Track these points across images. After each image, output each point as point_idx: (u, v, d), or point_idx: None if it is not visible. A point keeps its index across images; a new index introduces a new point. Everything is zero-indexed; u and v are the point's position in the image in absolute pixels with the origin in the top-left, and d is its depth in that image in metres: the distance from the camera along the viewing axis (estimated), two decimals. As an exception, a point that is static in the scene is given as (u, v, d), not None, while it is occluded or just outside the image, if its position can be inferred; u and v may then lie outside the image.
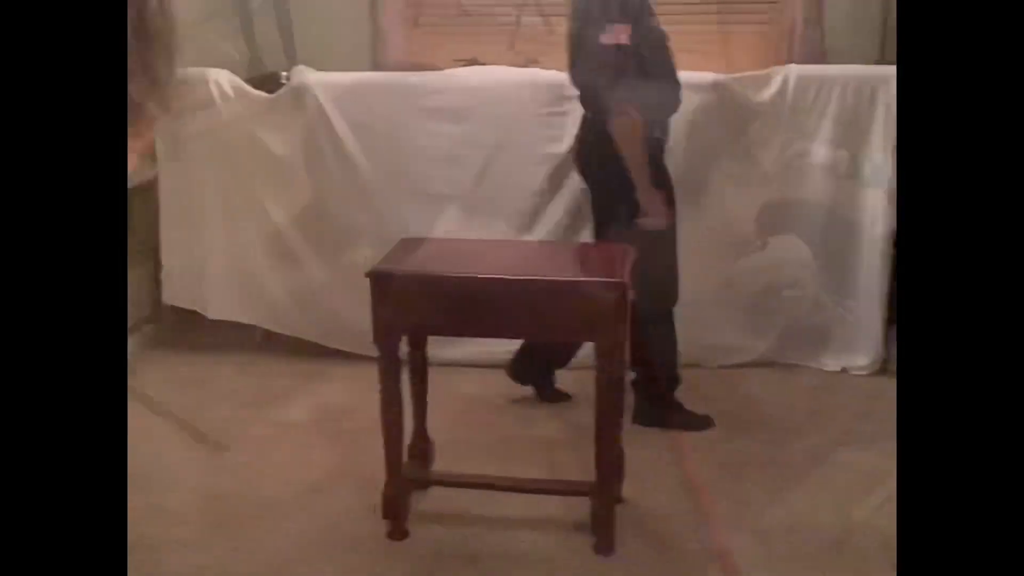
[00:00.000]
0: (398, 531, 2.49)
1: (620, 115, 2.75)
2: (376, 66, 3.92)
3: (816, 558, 2.39)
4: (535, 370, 3.29)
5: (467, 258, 2.54)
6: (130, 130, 1.00)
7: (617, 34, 2.69)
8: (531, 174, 3.55)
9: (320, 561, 2.40)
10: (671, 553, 2.43)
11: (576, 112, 3.45)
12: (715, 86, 3.39)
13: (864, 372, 3.49)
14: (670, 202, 2.93)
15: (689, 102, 3.10)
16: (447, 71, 3.65)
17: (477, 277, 2.35)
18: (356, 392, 3.28)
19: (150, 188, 3.71)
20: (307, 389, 3.52)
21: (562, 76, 3.47)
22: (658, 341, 3.09)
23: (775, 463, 2.85)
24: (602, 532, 2.41)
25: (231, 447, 3.05)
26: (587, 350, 3.26)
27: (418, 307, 2.38)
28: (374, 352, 2.43)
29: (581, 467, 2.72)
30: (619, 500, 2.56)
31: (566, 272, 2.40)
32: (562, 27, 3.11)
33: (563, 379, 3.34)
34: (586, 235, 3.52)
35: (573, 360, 3.25)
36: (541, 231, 3.55)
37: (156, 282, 3.84)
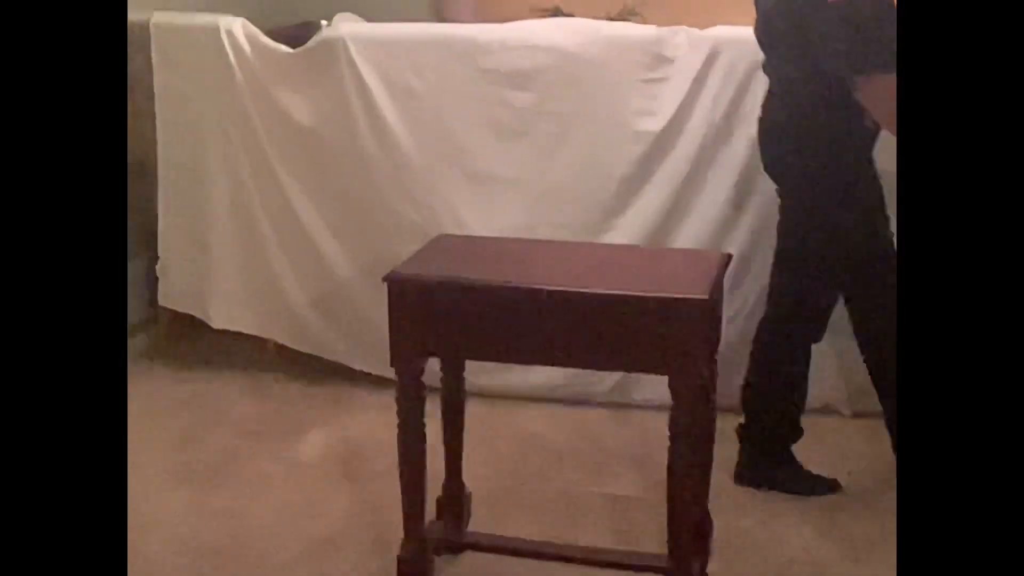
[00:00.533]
0: (416, 605, 2.55)
1: (871, 79, 2.67)
2: (440, 17, 4.04)
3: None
4: (770, 457, 3.15)
5: (513, 262, 2.58)
6: None
7: None
8: (616, 157, 3.58)
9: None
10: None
11: (677, 79, 3.51)
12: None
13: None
14: (873, 217, 2.91)
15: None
16: (515, 23, 3.70)
17: (514, 287, 2.39)
18: (385, 426, 3.37)
19: (145, 159, 3.88)
20: (325, 419, 3.61)
21: (662, 34, 3.56)
22: (784, 380, 3.11)
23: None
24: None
25: (226, 485, 3.16)
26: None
27: (447, 322, 2.43)
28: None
29: (659, 534, 2.70)
30: (702, 581, 2.59)
31: (633, 283, 2.42)
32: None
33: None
34: (683, 239, 3.57)
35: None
36: (624, 230, 3.58)
37: (153, 279, 3.99)
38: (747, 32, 3.12)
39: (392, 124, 3.67)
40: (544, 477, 3.25)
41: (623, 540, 2.89)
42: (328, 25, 3.83)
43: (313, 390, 3.83)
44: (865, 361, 3.08)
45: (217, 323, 3.93)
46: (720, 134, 3.52)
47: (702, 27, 3.58)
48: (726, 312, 3.49)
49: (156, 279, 4.01)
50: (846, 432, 3.48)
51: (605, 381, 3.65)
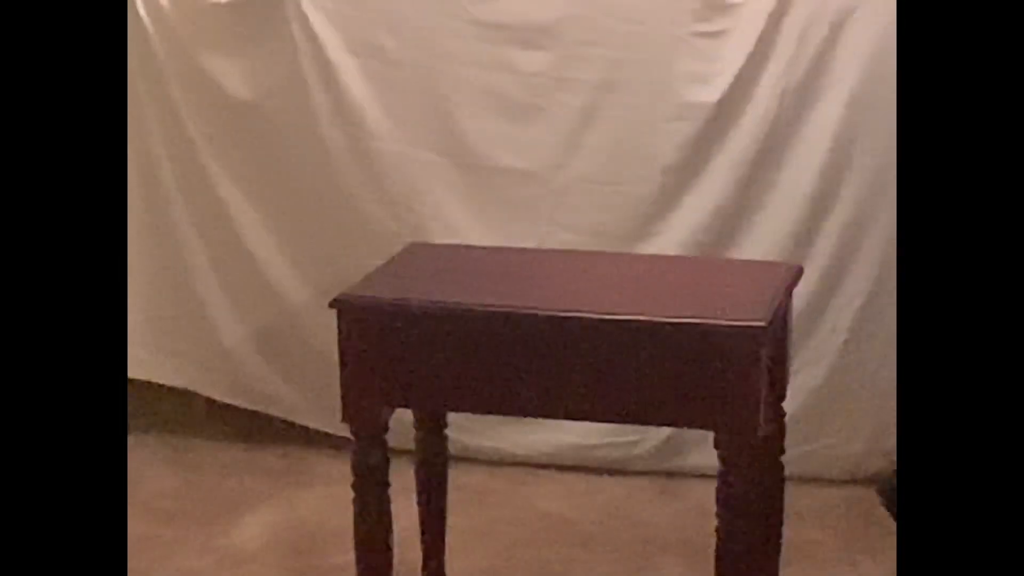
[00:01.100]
0: None
1: None
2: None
3: None
4: None
5: (510, 279, 2.58)
6: None
7: None
8: (660, 139, 3.54)
9: None
10: None
11: (740, 33, 3.47)
12: None
13: None
14: None
15: None
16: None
17: (508, 312, 2.38)
18: (348, 505, 3.42)
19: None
20: (269, 496, 3.59)
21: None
22: None
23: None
24: None
25: None
26: None
27: (420, 361, 2.42)
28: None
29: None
30: None
31: (667, 306, 2.40)
32: None
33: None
34: (748, 248, 3.55)
35: None
36: (670, 237, 3.56)
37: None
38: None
39: (357, 98, 3.65)
40: (564, 571, 3.23)
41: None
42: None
43: (254, 456, 3.82)
44: None
45: (129, 371, 3.91)
46: (799, 105, 3.49)
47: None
48: (809, 345, 3.51)
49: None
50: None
51: (645, 441, 3.61)
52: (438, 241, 3.43)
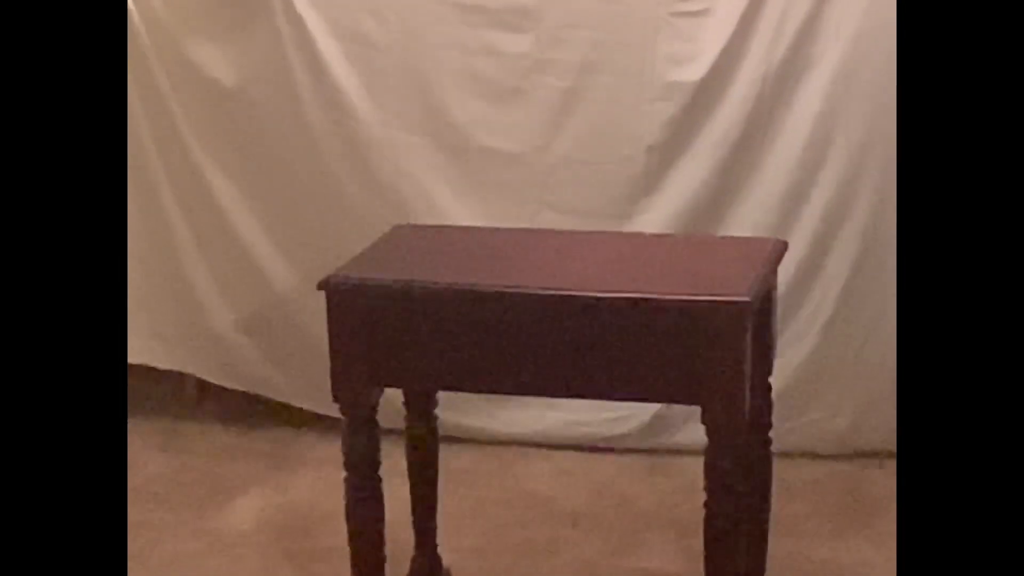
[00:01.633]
0: None
1: None
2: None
3: None
4: None
5: (497, 259, 2.56)
6: None
7: None
8: (643, 119, 3.54)
9: None
10: None
11: (722, 11, 3.45)
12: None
13: None
14: None
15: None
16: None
17: (497, 291, 2.38)
18: (339, 486, 3.41)
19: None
20: (260, 479, 3.58)
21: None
22: None
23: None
24: None
25: (129, 566, 3.19)
26: None
27: (407, 341, 2.41)
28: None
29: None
30: None
31: (651, 283, 2.40)
32: None
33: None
34: (733, 226, 3.54)
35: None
36: (655, 216, 3.56)
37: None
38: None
39: (343, 83, 3.65)
40: (552, 549, 3.23)
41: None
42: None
43: (245, 439, 3.82)
44: None
45: (119, 355, 3.93)
46: (781, 84, 3.49)
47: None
48: (795, 321, 3.51)
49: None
50: None
51: (633, 419, 3.62)
52: (424, 223, 3.40)
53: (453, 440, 3.29)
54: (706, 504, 2.37)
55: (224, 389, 3.93)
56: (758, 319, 2.43)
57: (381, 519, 2.56)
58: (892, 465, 3.26)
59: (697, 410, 2.35)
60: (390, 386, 2.57)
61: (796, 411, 3.48)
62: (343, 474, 2.56)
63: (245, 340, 3.85)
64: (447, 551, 2.89)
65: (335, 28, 3.64)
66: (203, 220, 3.82)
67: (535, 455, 3.64)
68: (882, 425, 3.40)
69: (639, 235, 3.34)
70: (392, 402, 2.69)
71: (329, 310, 2.47)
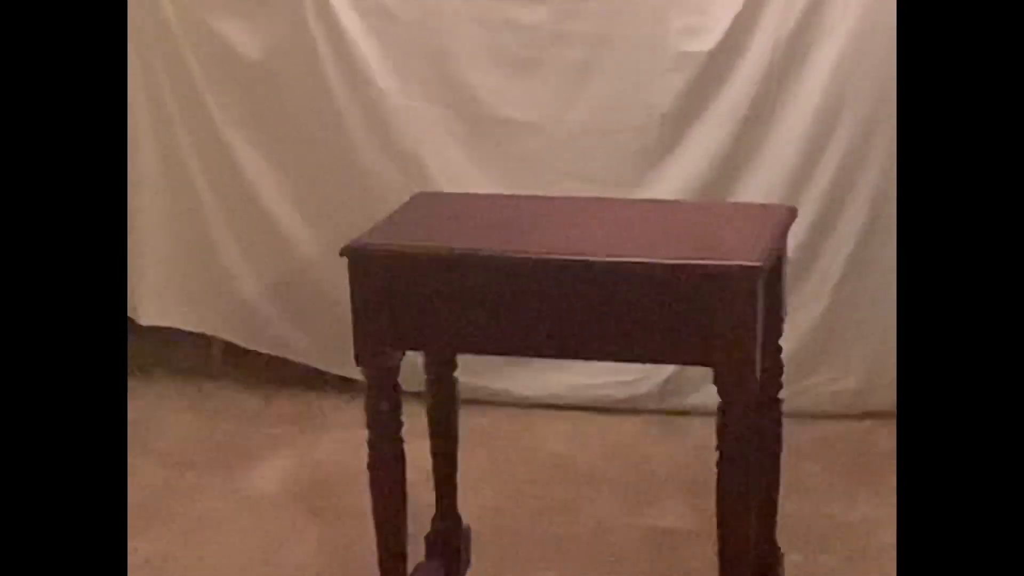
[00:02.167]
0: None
1: None
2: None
3: None
4: None
5: (515, 226, 2.56)
6: None
7: None
8: (656, 88, 3.57)
9: None
10: None
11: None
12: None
13: None
14: None
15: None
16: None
17: (514, 257, 2.38)
18: (363, 447, 3.44)
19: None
20: (286, 440, 3.63)
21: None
22: None
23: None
24: None
25: (156, 527, 3.17)
26: None
27: (428, 305, 2.43)
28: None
29: (718, 578, 2.77)
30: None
31: (664, 248, 2.40)
32: None
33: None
34: (745, 193, 3.56)
35: None
36: (668, 183, 3.59)
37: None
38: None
39: (365, 55, 3.67)
40: (569, 508, 3.25)
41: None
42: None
43: (271, 403, 3.86)
44: None
45: (145, 319, 3.92)
46: (792, 53, 3.51)
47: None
48: (803, 285, 3.54)
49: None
50: None
51: (648, 380, 3.65)
52: (443, 191, 3.44)
53: (472, 402, 3.30)
54: (718, 464, 2.39)
55: (250, 353, 3.96)
56: (769, 283, 2.44)
57: (403, 479, 2.58)
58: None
59: (710, 372, 2.37)
60: (411, 349, 2.57)
61: (806, 373, 3.51)
62: (366, 436, 2.58)
63: (270, 305, 3.89)
64: (467, 510, 2.92)
65: (357, 2, 3.67)
66: (229, 190, 3.85)
67: (553, 417, 3.67)
68: (890, 385, 3.43)
69: (653, 202, 3.35)
70: (413, 365, 2.71)
71: (351, 276, 2.49)
